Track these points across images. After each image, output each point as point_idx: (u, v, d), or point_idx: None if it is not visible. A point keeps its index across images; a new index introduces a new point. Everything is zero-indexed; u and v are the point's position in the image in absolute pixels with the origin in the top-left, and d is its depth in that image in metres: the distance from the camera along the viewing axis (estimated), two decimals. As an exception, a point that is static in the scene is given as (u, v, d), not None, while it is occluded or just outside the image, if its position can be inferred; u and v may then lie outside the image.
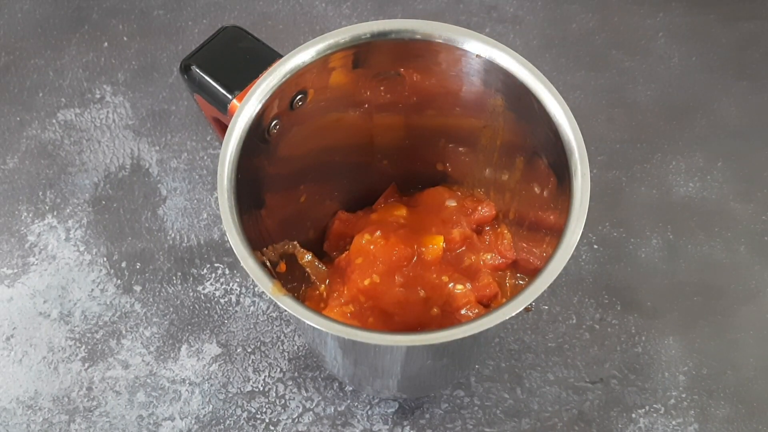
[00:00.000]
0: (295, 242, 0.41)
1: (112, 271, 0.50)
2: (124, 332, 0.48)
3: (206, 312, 0.49)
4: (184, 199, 0.53)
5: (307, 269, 0.42)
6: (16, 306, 0.49)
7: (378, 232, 0.41)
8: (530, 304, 0.30)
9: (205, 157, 0.54)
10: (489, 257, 0.42)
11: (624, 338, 0.48)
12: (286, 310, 0.30)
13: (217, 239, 0.51)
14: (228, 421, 0.45)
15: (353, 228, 0.44)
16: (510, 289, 0.42)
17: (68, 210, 0.52)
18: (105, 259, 0.50)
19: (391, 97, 0.40)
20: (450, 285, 0.41)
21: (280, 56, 0.36)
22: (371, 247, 0.41)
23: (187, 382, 0.47)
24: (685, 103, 0.56)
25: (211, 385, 0.46)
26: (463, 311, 0.40)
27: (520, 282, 0.42)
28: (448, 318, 0.41)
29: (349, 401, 0.46)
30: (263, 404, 0.46)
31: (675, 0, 0.61)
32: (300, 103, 0.37)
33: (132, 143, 0.55)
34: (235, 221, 0.32)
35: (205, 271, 0.50)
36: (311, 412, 0.46)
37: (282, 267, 0.40)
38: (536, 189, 0.38)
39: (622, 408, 0.46)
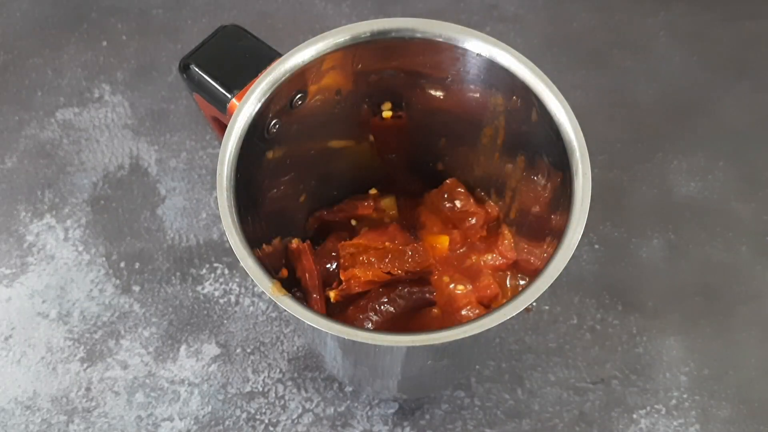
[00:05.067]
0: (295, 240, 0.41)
1: (111, 271, 0.50)
2: (122, 332, 0.48)
3: (205, 312, 0.48)
4: (183, 198, 0.52)
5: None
6: (14, 306, 0.49)
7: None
8: (531, 305, 0.30)
9: (204, 157, 0.54)
10: (490, 258, 0.42)
11: (625, 338, 0.47)
12: (285, 310, 0.30)
13: (216, 239, 0.51)
14: (227, 422, 0.45)
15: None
16: (511, 289, 0.42)
17: (67, 210, 0.52)
18: (104, 259, 0.50)
19: (391, 96, 0.40)
20: (451, 285, 0.41)
21: (280, 55, 0.35)
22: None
23: (186, 382, 0.46)
24: (686, 103, 0.56)
25: (210, 386, 0.46)
26: (463, 312, 0.40)
27: (521, 282, 0.42)
28: (449, 318, 0.41)
29: (348, 402, 0.46)
30: (263, 405, 0.46)
31: (676, -1, 0.61)
32: (300, 103, 0.37)
33: (131, 143, 0.55)
34: (234, 221, 0.32)
35: (204, 271, 0.50)
36: (311, 413, 0.45)
37: (284, 273, 0.40)
38: (537, 189, 0.38)
39: (623, 409, 0.46)
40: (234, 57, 0.38)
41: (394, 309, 0.40)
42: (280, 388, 0.46)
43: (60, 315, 0.48)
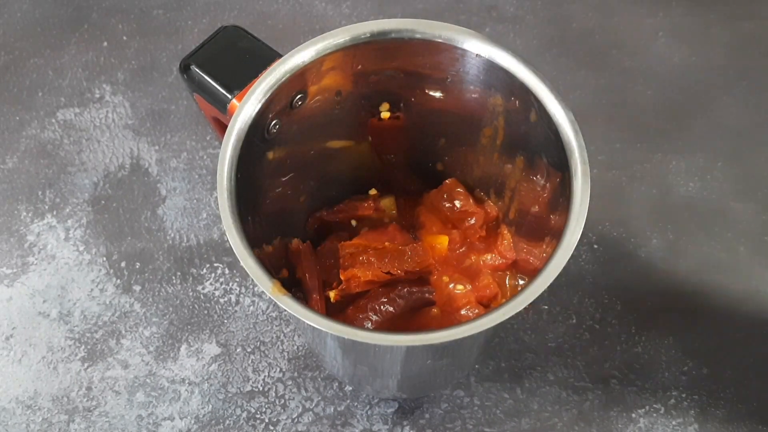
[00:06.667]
0: (295, 240, 0.41)
1: (112, 270, 0.50)
2: (123, 332, 0.48)
3: (206, 312, 0.49)
4: (184, 198, 0.53)
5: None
6: (15, 306, 0.49)
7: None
8: (530, 304, 0.30)
9: (205, 157, 0.54)
10: (489, 258, 0.42)
11: (624, 338, 0.48)
12: (285, 310, 0.30)
13: (216, 239, 0.51)
14: (227, 421, 0.45)
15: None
16: (510, 289, 0.42)
17: (67, 210, 0.52)
18: (104, 258, 0.50)
19: (390, 97, 0.40)
20: (450, 285, 0.41)
21: (280, 56, 0.36)
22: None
23: (186, 381, 0.46)
24: (685, 103, 0.56)
25: (211, 385, 0.46)
26: (463, 311, 0.40)
27: (520, 282, 0.42)
28: (448, 318, 0.41)
29: (348, 401, 0.46)
30: (263, 404, 0.46)
31: (675, 0, 0.61)
32: (300, 103, 0.37)
33: (131, 143, 0.55)
34: (235, 221, 0.32)
35: (204, 270, 0.50)
36: (311, 412, 0.46)
37: (284, 273, 0.40)
38: (536, 189, 0.38)
39: (622, 408, 0.46)
40: (234, 57, 0.38)
41: (394, 309, 0.40)
42: (280, 387, 0.46)
43: (61, 314, 0.49)
